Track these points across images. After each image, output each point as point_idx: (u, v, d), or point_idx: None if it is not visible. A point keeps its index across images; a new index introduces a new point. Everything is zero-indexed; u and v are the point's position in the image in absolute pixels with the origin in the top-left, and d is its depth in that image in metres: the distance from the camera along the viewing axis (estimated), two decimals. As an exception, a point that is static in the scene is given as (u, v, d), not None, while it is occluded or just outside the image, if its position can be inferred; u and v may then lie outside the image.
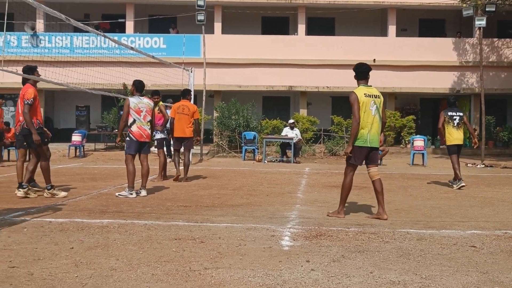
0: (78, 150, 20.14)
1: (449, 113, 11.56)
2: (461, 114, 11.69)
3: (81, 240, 5.75)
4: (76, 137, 20.20)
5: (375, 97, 7.34)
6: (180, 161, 12.48)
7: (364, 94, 7.25)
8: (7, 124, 18.85)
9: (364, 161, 7.41)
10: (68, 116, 26.94)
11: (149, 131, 9.60)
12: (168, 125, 12.21)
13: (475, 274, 4.64)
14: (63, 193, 9.17)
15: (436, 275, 4.60)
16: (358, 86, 7.43)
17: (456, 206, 8.75)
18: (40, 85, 10.77)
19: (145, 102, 9.57)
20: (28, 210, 7.63)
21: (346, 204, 7.59)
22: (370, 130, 7.21)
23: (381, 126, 7.44)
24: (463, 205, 8.82)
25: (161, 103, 12.04)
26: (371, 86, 7.49)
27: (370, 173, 7.46)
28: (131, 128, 9.39)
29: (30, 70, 9.09)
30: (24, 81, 9.04)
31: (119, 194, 9.25)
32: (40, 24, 24.99)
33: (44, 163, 9.04)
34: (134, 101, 9.48)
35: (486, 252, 5.47)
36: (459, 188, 11.03)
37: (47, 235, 5.99)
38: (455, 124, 11.50)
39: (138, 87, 9.66)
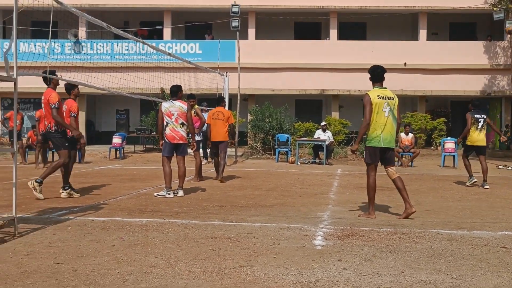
0: (118, 152, 20.43)
1: (475, 115, 11.58)
2: (485, 116, 11.79)
3: (122, 238, 5.84)
4: (116, 140, 20.52)
5: (388, 99, 7.30)
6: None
7: (378, 96, 7.24)
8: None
9: (380, 161, 7.42)
10: (108, 119, 27.33)
11: (183, 133, 9.66)
12: (204, 129, 12.35)
13: (506, 275, 4.57)
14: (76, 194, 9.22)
15: (467, 275, 4.55)
16: (373, 88, 7.40)
17: (487, 207, 8.61)
18: (82, 89, 10.93)
19: (177, 105, 9.63)
20: (71, 209, 7.77)
21: (377, 205, 7.56)
22: (383, 131, 7.21)
23: (395, 127, 7.41)
24: (494, 206, 8.68)
25: (196, 106, 12.11)
26: (385, 88, 7.44)
27: (388, 173, 7.48)
28: (165, 131, 9.50)
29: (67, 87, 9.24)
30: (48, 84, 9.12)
31: (157, 194, 9.35)
32: (82, 32, 25.40)
33: (59, 163, 9.03)
34: (165, 105, 9.60)
35: (517, 253, 5.38)
36: (472, 184, 11.64)
37: (90, 233, 6.10)
38: (479, 126, 11.60)
39: (171, 92, 9.79)
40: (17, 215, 6.10)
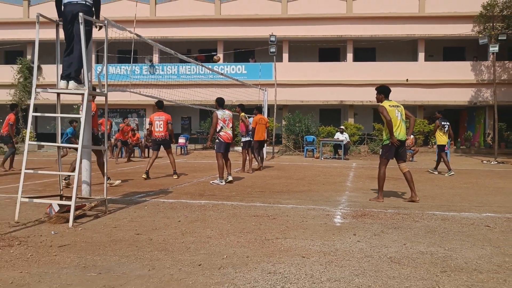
0: (182, 149, 20.68)
1: (442, 122, 12.51)
2: (448, 123, 12.64)
3: (186, 215, 5.91)
4: (181, 140, 20.83)
5: (397, 107, 7.42)
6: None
7: (389, 105, 7.36)
8: (133, 130, 19.68)
9: (395, 156, 7.40)
10: (175, 125, 27.60)
11: (232, 134, 9.75)
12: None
13: (489, 248, 4.45)
14: (117, 181, 9.18)
15: (457, 247, 4.45)
16: (383, 101, 7.44)
17: (474, 194, 8.39)
18: (154, 101, 11.15)
19: (227, 113, 9.75)
20: (148, 193, 7.92)
21: (384, 191, 7.49)
22: (397, 129, 7.26)
23: (405, 126, 7.44)
24: (479, 193, 8.45)
25: (242, 113, 12.17)
26: (391, 100, 7.54)
27: (400, 167, 7.46)
28: (220, 133, 9.56)
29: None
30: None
31: (212, 182, 9.43)
32: (156, 58, 25.82)
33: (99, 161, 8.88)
34: (220, 113, 9.65)
35: (498, 231, 5.23)
36: (450, 176, 11.77)
37: (161, 211, 6.19)
38: (445, 131, 12.49)
39: (220, 103, 9.86)
40: (107, 197, 6.25)
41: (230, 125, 9.68)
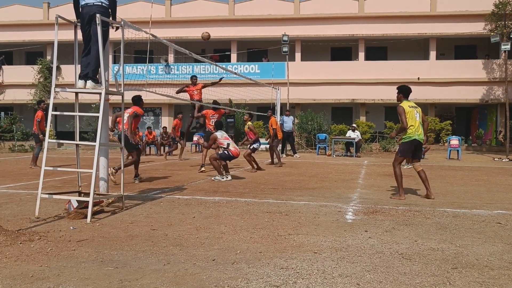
0: (197, 147, 20.74)
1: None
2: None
3: (200, 212, 5.93)
4: (196, 138, 20.86)
5: (415, 108, 7.31)
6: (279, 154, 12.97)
7: (409, 106, 7.25)
8: (149, 127, 19.82)
9: (411, 156, 7.35)
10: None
11: (238, 150, 9.87)
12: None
13: (500, 245, 4.39)
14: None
15: (468, 244, 4.40)
16: (402, 101, 7.35)
17: (485, 191, 8.28)
18: (172, 100, 11.27)
19: (225, 134, 10.05)
20: (163, 190, 7.96)
21: (393, 189, 7.43)
22: (416, 129, 7.17)
23: (422, 127, 7.34)
24: (491, 190, 8.33)
25: (250, 123, 12.38)
26: (410, 101, 7.43)
27: (414, 166, 7.40)
28: (230, 148, 9.70)
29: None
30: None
31: (214, 178, 9.49)
32: (171, 57, 25.93)
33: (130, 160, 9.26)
34: (219, 134, 9.89)
35: (510, 228, 5.16)
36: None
37: (177, 207, 6.22)
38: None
39: (218, 127, 10.20)
40: (124, 194, 6.30)
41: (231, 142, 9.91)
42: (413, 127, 7.13)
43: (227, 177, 9.49)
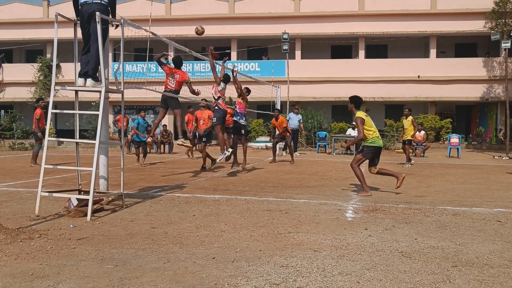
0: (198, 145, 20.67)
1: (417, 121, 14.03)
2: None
3: (200, 210, 5.93)
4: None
5: (367, 116, 7.61)
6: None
7: (364, 115, 7.51)
8: (149, 126, 19.76)
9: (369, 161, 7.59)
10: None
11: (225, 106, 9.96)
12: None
13: (500, 243, 4.39)
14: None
15: (468, 242, 4.40)
16: (356, 112, 7.57)
17: (485, 189, 8.28)
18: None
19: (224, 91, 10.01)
20: (163, 188, 7.96)
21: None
22: (378, 135, 7.49)
23: None
24: (491, 188, 8.34)
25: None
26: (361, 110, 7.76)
27: (370, 170, 7.62)
28: (219, 101, 9.79)
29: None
30: None
31: (219, 160, 9.77)
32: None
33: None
34: (222, 84, 9.92)
35: (510, 226, 5.16)
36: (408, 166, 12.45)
37: (177, 206, 6.22)
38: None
39: (225, 78, 10.11)
40: (124, 192, 6.30)
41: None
42: (375, 133, 7.39)
43: (228, 152, 9.63)
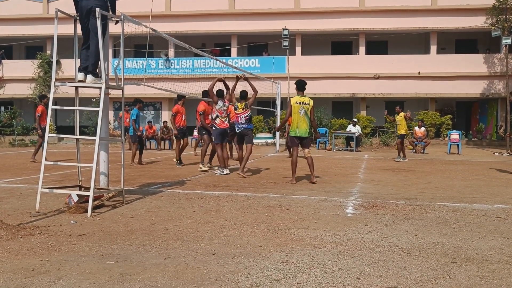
0: (199, 143, 20.67)
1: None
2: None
3: (201, 206, 5.94)
4: (196, 132, 20.80)
5: (304, 104, 7.96)
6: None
7: (296, 102, 7.96)
8: (150, 122, 19.77)
9: (299, 145, 8.23)
10: (189, 117, 27.65)
11: (224, 123, 9.58)
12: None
13: (500, 239, 4.40)
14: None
15: (468, 238, 4.41)
16: (296, 95, 8.09)
17: (485, 185, 8.28)
18: (172, 94, 11.24)
19: (223, 108, 9.59)
20: (163, 184, 7.97)
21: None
22: (298, 126, 7.99)
23: (309, 123, 8.13)
24: (491, 185, 8.34)
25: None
26: (305, 96, 8.15)
27: (304, 153, 8.21)
28: (216, 121, 9.52)
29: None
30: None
31: (215, 172, 9.52)
32: (171, 52, 25.86)
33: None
34: (219, 103, 9.54)
35: (510, 222, 5.16)
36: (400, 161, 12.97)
37: (177, 202, 6.23)
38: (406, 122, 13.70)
39: (219, 94, 9.64)
40: (125, 188, 6.30)
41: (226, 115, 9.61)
42: (294, 122, 7.90)
43: (226, 172, 9.48)
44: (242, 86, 10.19)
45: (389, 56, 25.26)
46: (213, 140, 9.95)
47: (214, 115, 9.57)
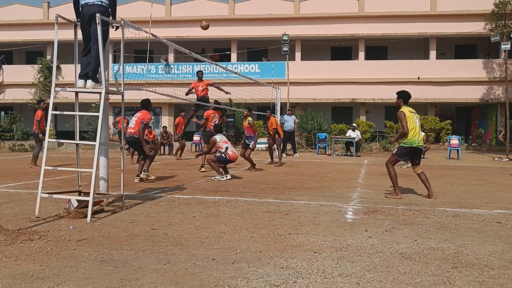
0: (197, 147, 20.72)
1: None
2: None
3: (200, 211, 5.93)
4: (196, 137, 20.86)
5: (415, 113, 7.39)
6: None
7: (409, 111, 7.31)
8: (150, 127, 19.70)
9: (410, 159, 7.48)
10: (191, 123, 27.70)
11: (235, 155, 9.82)
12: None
13: (500, 244, 4.39)
14: (153, 177, 9.38)
15: (468, 244, 4.40)
16: (402, 106, 7.40)
17: (485, 190, 8.28)
18: (172, 99, 11.27)
19: (224, 137, 9.98)
20: (163, 189, 7.96)
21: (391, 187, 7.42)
22: (416, 135, 7.19)
23: (421, 133, 7.53)
24: (491, 190, 8.33)
25: (250, 118, 12.02)
26: (409, 106, 7.50)
27: (414, 169, 7.42)
28: (228, 152, 9.66)
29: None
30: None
31: (214, 178, 9.46)
32: (171, 57, 25.92)
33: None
34: (218, 138, 9.82)
35: (510, 227, 5.16)
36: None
37: (177, 207, 6.22)
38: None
39: (218, 130, 10.16)
40: (124, 193, 6.30)
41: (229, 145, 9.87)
42: (413, 131, 7.14)
43: (226, 177, 9.49)
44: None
45: (388, 62, 25.34)
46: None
47: (223, 149, 9.71)
